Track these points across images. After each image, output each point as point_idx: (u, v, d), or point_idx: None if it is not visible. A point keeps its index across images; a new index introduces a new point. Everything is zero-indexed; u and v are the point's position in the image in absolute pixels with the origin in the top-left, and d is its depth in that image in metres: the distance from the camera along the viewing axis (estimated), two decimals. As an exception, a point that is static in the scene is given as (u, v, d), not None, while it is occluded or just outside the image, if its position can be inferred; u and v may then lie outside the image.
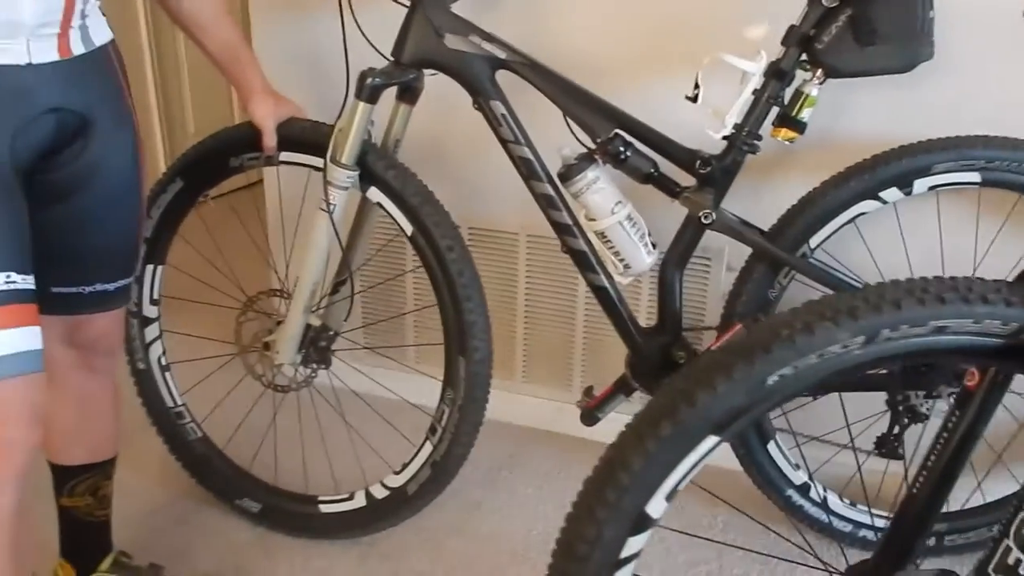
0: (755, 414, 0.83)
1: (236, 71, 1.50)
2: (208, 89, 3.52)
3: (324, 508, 1.69)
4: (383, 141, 1.58)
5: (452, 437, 1.55)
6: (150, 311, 1.73)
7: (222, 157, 1.62)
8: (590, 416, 1.71)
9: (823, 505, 1.67)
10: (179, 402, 1.76)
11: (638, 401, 1.67)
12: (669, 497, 0.85)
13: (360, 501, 1.66)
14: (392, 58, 1.50)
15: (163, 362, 1.76)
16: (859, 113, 1.63)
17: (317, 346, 1.60)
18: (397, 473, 1.62)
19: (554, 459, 1.96)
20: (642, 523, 0.85)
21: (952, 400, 1.53)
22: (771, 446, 1.64)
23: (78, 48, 1.16)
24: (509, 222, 1.93)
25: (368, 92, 1.46)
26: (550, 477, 1.90)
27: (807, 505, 1.67)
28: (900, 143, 1.49)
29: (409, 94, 1.56)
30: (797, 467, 1.66)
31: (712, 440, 0.83)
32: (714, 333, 1.63)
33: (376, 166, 1.52)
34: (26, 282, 1.08)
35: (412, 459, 1.60)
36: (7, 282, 1.05)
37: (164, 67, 3.37)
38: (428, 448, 1.58)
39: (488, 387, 1.54)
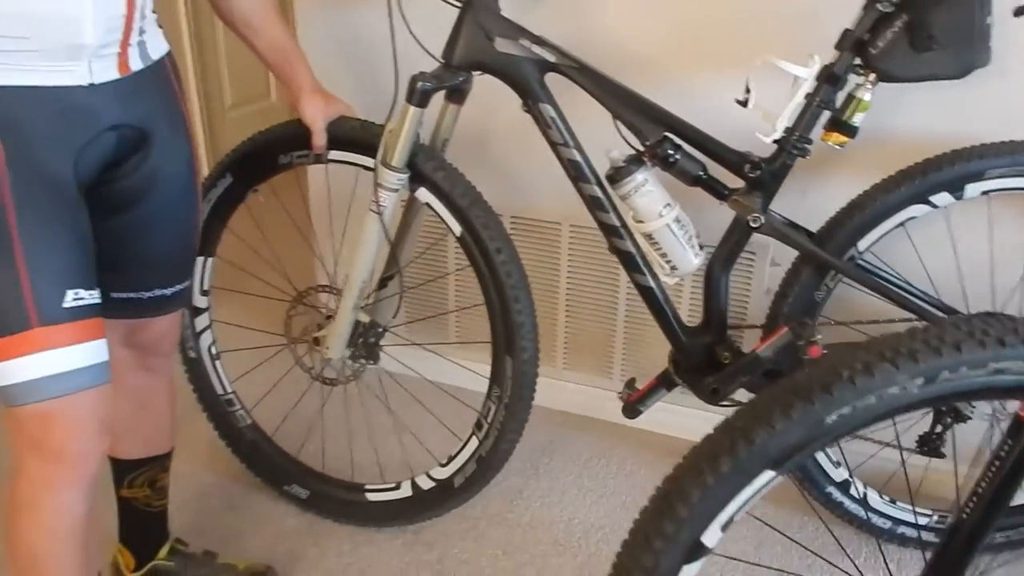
0: (812, 450, 0.85)
1: (286, 70, 1.51)
2: (245, 61, 3.51)
3: (371, 496, 1.73)
4: (431, 140, 1.59)
5: (498, 434, 1.58)
6: (200, 301, 1.77)
7: (272, 154, 1.64)
8: (632, 410, 1.73)
9: (863, 502, 1.69)
10: (229, 390, 1.81)
11: (679, 395, 1.69)
12: (724, 527, 0.87)
13: (406, 491, 1.70)
14: (442, 60, 1.50)
15: (213, 351, 1.80)
16: (911, 114, 1.61)
17: (366, 342, 1.63)
18: (443, 466, 1.66)
19: (593, 446, 1.99)
20: (697, 552, 0.88)
21: (997, 421, 1.55)
22: (812, 444, 1.65)
23: (136, 64, 1.17)
24: (552, 211, 1.94)
25: (419, 96, 1.47)
26: (589, 464, 1.93)
27: (847, 502, 1.68)
28: (952, 145, 1.48)
29: (458, 95, 1.56)
30: (838, 464, 1.67)
31: (769, 475, 0.85)
32: (758, 332, 1.64)
33: (426, 167, 1.53)
34: (92, 297, 1.11)
35: (458, 453, 1.64)
36: (75, 299, 1.09)
37: (201, 38, 3.37)
38: (474, 443, 1.61)
39: (534, 386, 1.56)
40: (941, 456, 1.64)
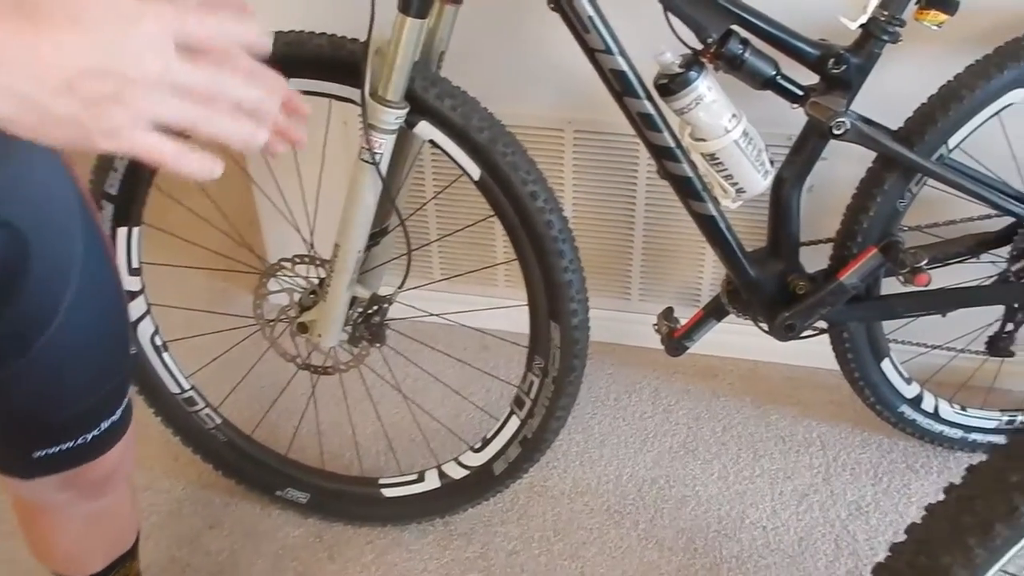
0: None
1: None
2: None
3: (388, 492, 1.45)
4: (423, 54, 1.21)
5: (546, 411, 1.31)
6: (131, 283, 1.38)
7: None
8: (676, 346, 1.49)
9: (934, 415, 1.54)
10: (186, 386, 1.45)
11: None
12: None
13: (432, 482, 1.42)
14: (438, -51, 1.12)
15: (158, 341, 1.43)
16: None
17: (368, 321, 1.30)
18: (476, 451, 1.39)
19: (619, 380, 1.74)
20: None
21: None
22: (885, 363, 1.47)
23: None
24: (551, 116, 1.60)
25: (419, 4, 1.09)
26: (621, 403, 1.69)
27: (919, 418, 1.53)
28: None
29: (457, -8, 1.19)
30: (909, 381, 1.50)
31: None
32: (823, 247, 1.40)
33: (427, 95, 1.17)
34: None
35: (494, 436, 1.37)
36: None
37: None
38: (515, 423, 1.35)
39: (586, 355, 1.29)
40: (1010, 355, 1.49)
